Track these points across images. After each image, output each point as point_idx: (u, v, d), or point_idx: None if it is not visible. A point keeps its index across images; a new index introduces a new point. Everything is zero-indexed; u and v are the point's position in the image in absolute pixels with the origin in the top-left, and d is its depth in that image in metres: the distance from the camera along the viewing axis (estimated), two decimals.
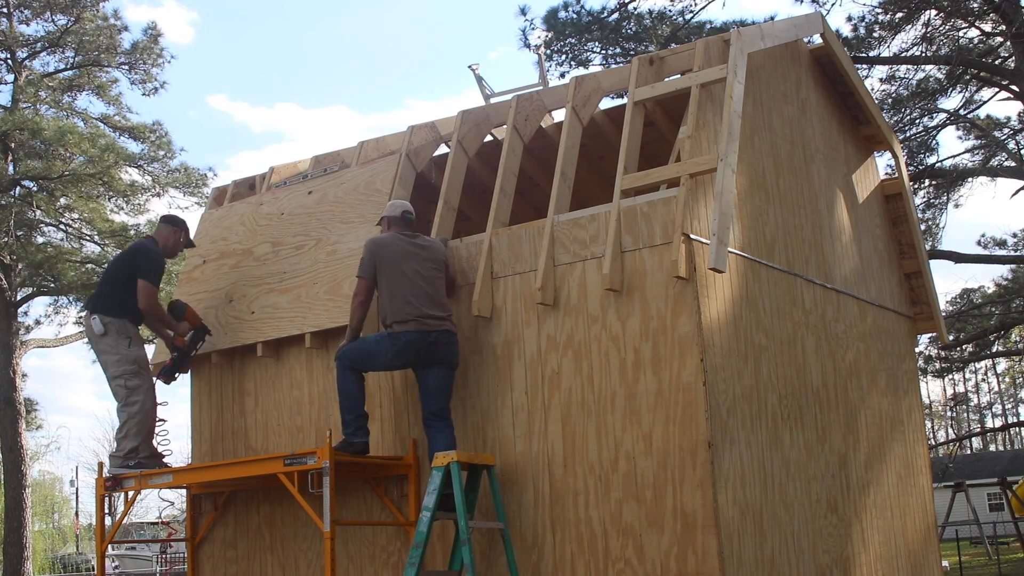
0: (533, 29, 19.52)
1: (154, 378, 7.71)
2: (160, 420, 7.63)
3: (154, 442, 7.57)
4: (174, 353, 7.75)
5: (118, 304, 7.42)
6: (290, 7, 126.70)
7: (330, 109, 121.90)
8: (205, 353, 7.88)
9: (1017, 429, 60.20)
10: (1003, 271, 26.63)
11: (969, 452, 53.71)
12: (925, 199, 20.97)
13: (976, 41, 19.61)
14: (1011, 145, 21.33)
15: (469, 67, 9.86)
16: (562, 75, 19.58)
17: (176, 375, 7.81)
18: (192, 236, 8.13)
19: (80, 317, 23.35)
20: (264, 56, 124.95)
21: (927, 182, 20.30)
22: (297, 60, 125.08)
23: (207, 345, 7.82)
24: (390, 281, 6.63)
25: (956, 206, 28.33)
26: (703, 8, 19.42)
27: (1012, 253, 24.70)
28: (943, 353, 24.74)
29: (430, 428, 6.62)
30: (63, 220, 22.62)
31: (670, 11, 19.55)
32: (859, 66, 18.26)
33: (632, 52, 18.93)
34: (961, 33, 19.14)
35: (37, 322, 32.49)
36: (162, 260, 7.64)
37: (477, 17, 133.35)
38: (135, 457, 7.35)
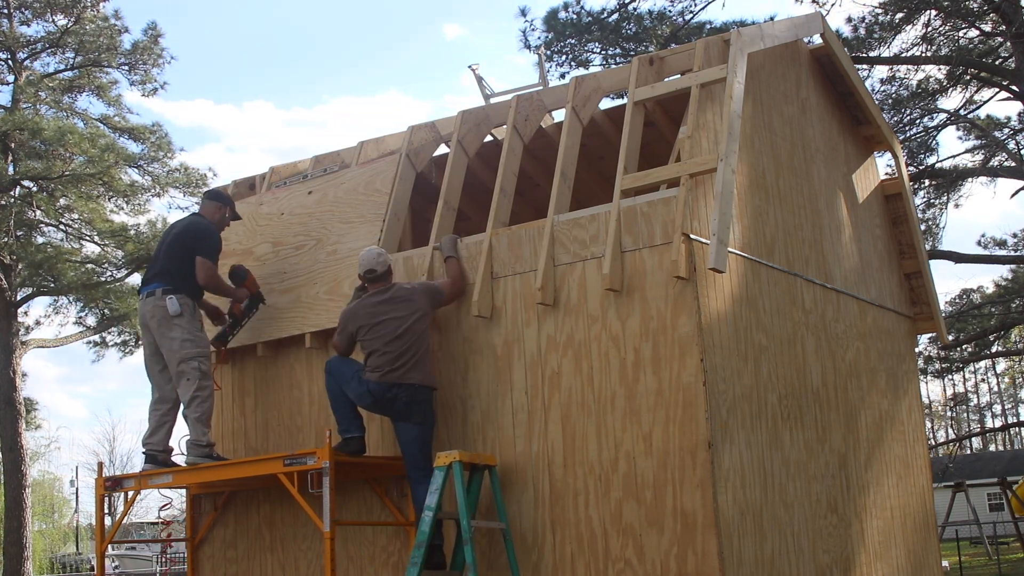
0: (533, 30, 19.56)
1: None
2: None
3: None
4: (229, 319, 7.76)
5: (189, 285, 7.34)
6: None
7: (251, 104, 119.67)
8: None
9: (1017, 429, 60.20)
10: (1003, 271, 26.66)
11: (969, 452, 53.72)
12: (925, 199, 20.98)
13: (976, 41, 19.61)
14: (1011, 145, 21.33)
15: (469, 67, 9.87)
16: (562, 75, 19.63)
17: (228, 340, 7.81)
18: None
19: (80, 317, 23.38)
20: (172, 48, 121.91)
21: (927, 182, 20.31)
22: (204, 53, 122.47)
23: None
24: (363, 343, 6.77)
25: (956, 206, 28.36)
26: (703, 8, 19.49)
27: (1012, 253, 24.70)
28: (943, 353, 24.73)
29: (408, 479, 6.75)
30: (63, 220, 22.61)
31: (670, 11, 19.59)
32: (859, 66, 18.26)
33: (632, 52, 18.94)
34: (961, 33, 19.15)
35: (37, 322, 32.61)
36: (218, 235, 7.57)
37: (389, 12, 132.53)
38: (214, 450, 7.24)
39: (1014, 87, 18.28)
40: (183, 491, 8.34)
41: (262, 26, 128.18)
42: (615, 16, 19.68)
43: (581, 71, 19.31)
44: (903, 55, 18.87)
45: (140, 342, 22.91)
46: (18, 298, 21.86)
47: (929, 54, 18.52)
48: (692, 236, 6.15)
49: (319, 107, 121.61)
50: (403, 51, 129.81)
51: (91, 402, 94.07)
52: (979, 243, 25.58)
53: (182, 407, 7.28)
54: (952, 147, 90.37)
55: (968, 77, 19.53)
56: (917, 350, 14.02)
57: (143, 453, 7.39)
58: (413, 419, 6.60)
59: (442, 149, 8.39)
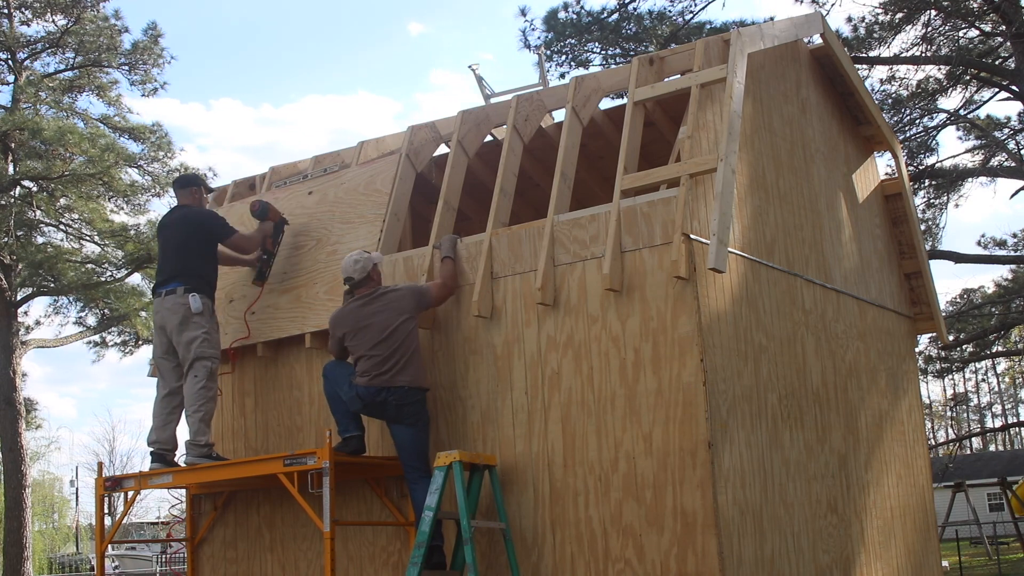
0: (533, 30, 19.58)
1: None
2: None
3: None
4: (263, 255, 7.86)
5: (207, 283, 7.45)
6: None
7: (218, 103, 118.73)
8: None
9: (1017, 429, 60.22)
10: (1003, 271, 26.67)
11: (969, 452, 53.73)
12: (925, 199, 20.98)
13: (976, 41, 19.62)
14: (1011, 145, 21.33)
15: (469, 67, 9.87)
16: (562, 75, 19.64)
17: (267, 276, 7.90)
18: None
19: (80, 317, 23.37)
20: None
21: (927, 182, 20.31)
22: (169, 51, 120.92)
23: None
24: (351, 348, 6.81)
25: (956, 206, 28.36)
26: (703, 8, 19.50)
27: (1012, 253, 24.71)
28: (943, 353, 24.74)
29: (406, 480, 6.75)
30: (63, 220, 22.60)
31: (670, 11, 19.60)
32: (859, 66, 18.27)
33: (632, 52, 18.95)
34: (961, 33, 19.15)
35: (37, 322, 32.59)
36: (218, 215, 7.77)
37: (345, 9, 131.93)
38: (213, 450, 7.26)
39: (1014, 87, 18.28)
40: (183, 491, 8.34)
41: (228, 23, 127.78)
42: (615, 16, 19.69)
43: (581, 71, 19.34)
44: (903, 55, 18.87)
45: (141, 342, 23.06)
46: (18, 298, 21.85)
47: (929, 54, 18.52)
48: (692, 236, 6.15)
49: (288, 105, 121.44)
50: (369, 49, 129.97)
51: (80, 402, 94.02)
52: (979, 243, 25.60)
53: (185, 405, 7.31)
54: (952, 147, 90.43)
55: (968, 77, 19.53)
56: (917, 350, 14.04)
57: (151, 452, 7.39)
58: (405, 421, 6.61)
59: (442, 149, 8.39)
